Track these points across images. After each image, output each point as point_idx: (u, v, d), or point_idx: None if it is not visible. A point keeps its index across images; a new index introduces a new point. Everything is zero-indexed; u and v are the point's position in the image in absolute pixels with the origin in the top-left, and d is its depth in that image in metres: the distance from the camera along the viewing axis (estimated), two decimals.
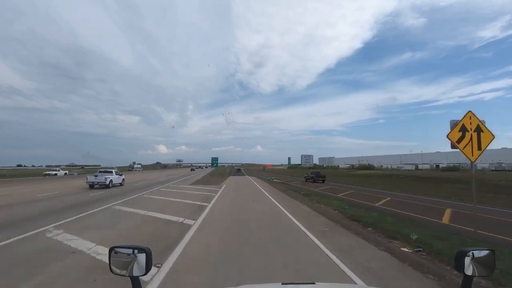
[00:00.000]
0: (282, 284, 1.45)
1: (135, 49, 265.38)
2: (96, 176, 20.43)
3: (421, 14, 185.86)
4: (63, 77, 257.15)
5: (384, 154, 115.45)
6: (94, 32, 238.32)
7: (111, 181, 20.57)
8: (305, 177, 36.08)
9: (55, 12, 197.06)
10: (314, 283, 1.49)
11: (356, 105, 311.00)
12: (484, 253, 1.29)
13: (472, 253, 1.26)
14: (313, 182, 32.16)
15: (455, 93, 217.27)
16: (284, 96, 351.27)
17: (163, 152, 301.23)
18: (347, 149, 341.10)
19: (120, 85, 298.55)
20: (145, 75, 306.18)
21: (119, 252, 1.25)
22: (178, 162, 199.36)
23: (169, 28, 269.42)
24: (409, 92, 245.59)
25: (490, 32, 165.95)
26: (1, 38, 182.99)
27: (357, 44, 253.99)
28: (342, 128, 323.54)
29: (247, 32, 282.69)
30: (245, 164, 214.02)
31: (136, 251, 1.23)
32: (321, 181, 32.35)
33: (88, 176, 20.97)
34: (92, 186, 19.91)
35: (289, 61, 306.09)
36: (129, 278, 1.22)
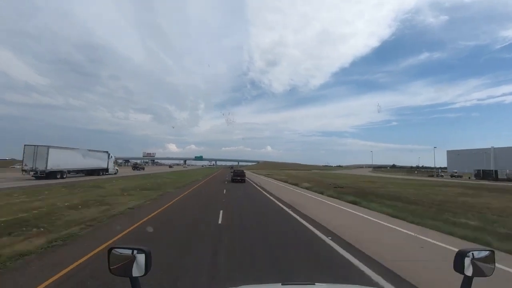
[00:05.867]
0: (282, 284, 1.46)
1: (147, 46, 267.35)
2: (185, 164, 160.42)
3: (441, 11, 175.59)
4: (76, 74, 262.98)
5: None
6: (107, 28, 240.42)
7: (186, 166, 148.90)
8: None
9: (69, 8, 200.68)
10: (314, 284, 1.51)
11: (369, 107, 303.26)
12: (484, 253, 1.29)
13: (472, 253, 1.26)
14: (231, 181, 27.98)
15: (473, 96, 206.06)
16: (296, 96, 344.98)
17: (173, 150, 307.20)
18: (358, 151, 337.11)
19: (132, 83, 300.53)
20: (157, 72, 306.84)
21: (119, 252, 1.24)
22: (148, 157, 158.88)
23: (181, 25, 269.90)
24: (424, 93, 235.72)
25: None
26: (17, 33, 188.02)
27: (374, 43, 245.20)
28: (354, 129, 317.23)
29: (261, 29, 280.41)
30: (260, 162, 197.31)
31: (135, 251, 1.21)
32: (240, 181, 27.93)
33: (183, 165, 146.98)
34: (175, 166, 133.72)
35: (302, 59, 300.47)
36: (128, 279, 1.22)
